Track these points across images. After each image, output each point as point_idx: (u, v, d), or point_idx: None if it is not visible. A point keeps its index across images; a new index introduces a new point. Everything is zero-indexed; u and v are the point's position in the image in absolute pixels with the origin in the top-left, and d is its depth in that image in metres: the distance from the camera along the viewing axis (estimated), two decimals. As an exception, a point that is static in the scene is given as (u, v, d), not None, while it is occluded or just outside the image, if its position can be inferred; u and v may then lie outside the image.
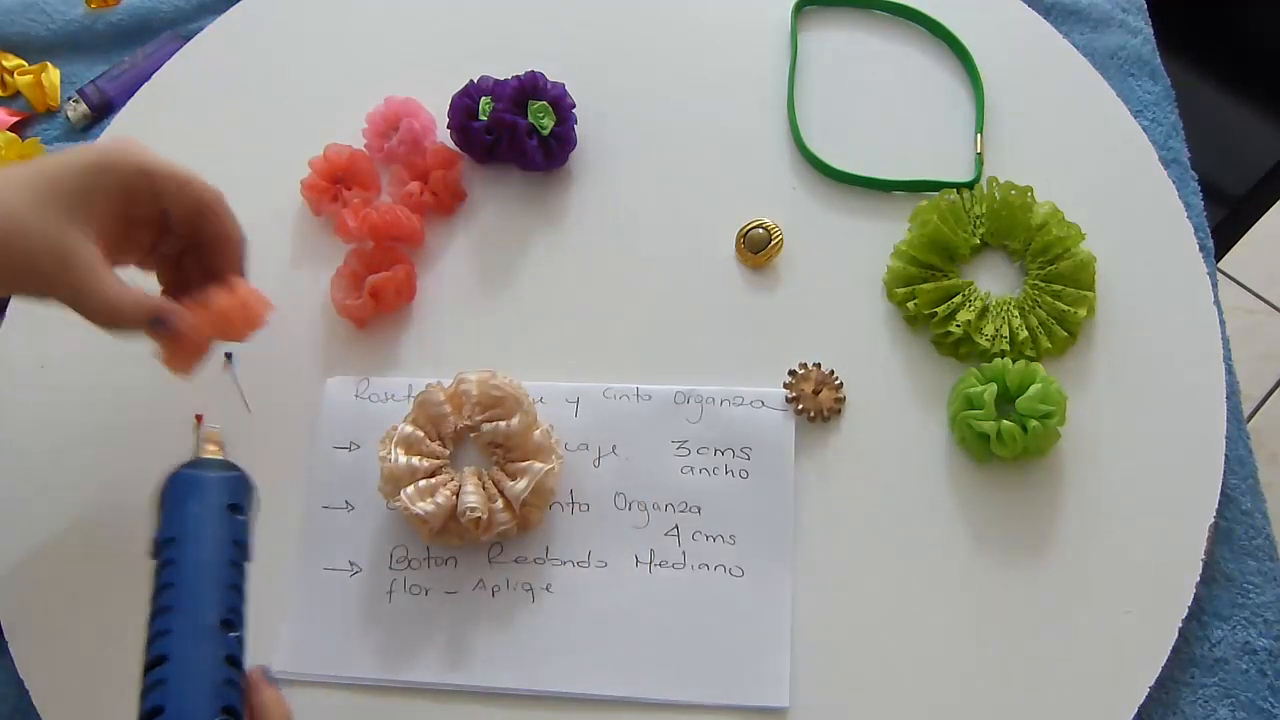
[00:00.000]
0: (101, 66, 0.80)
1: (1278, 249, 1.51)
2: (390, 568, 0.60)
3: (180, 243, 0.58)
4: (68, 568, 0.61)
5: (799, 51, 0.74)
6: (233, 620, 0.44)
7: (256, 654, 0.58)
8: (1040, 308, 0.64)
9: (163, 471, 0.48)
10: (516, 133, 0.68)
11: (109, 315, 0.51)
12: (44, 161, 0.51)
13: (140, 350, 0.56)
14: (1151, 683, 0.55)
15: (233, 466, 0.48)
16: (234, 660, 0.43)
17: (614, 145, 0.72)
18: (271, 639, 0.58)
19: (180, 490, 0.46)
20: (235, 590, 0.45)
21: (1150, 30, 0.77)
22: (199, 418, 0.64)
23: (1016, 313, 0.64)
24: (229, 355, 0.66)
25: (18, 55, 0.82)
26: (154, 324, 0.53)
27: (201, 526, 0.45)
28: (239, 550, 0.46)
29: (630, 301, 0.67)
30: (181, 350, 0.54)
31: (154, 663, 0.42)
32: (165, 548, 0.45)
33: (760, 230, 0.68)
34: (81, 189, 0.51)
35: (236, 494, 0.47)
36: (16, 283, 0.51)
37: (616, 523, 0.60)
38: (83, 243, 0.51)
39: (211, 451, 0.48)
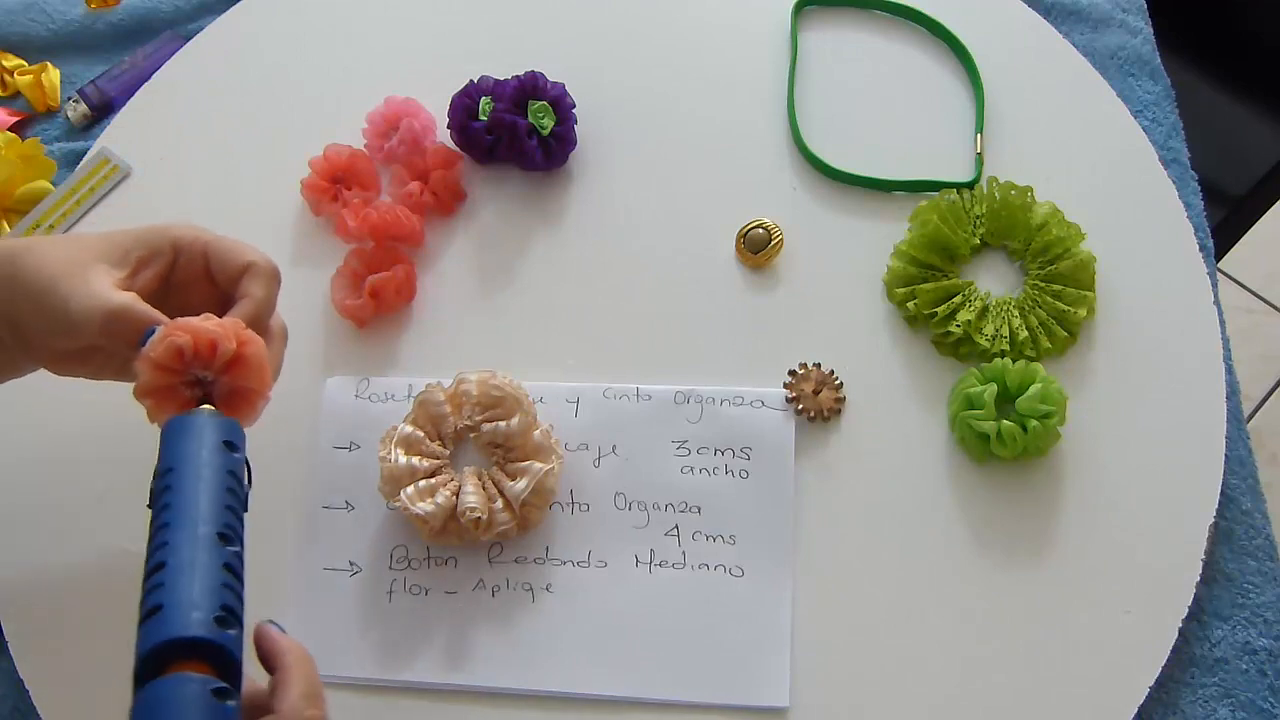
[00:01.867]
0: (101, 66, 0.80)
1: (1278, 249, 1.51)
2: (390, 567, 0.60)
3: None
4: (67, 568, 0.61)
5: (799, 51, 0.74)
6: (230, 536, 0.43)
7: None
8: (1040, 308, 0.64)
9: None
10: (516, 133, 0.68)
11: (101, 311, 0.49)
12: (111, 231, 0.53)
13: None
14: (1151, 683, 0.55)
15: (222, 415, 0.48)
16: (232, 570, 0.43)
17: (614, 145, 0.72)
18: (271, 639, 0.58)
19: (175, 430, 0.46)
20: (232, 513, 0.45)
21: (1150, 30, 0.77)
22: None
23: (1016, 313, 0.64)
24: None
25: (18, 55, 0.82)
26: (143, 341, 0.48)
27: (197, 455, 0.45)
28: (235, 480, 0.46)
29: (630, 301, 0.67)
30: (155, 370, 0.48)
31: (152, 570, 0.42)
32: (163, 478, 0.45)
33: (760, 230, 0.68)
34: (125, 243, 0.52)
35: (231, 434, 0.47)
36: (29, 296, 0.50)
37: (616, 523, 0.60)
38: (100, 267, 0.51)
39: (204, 408, 0.48)
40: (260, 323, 0.52)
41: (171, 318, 0.53)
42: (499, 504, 0.58)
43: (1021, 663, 0.56)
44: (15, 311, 0.51)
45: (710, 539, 0.60)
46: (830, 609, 0.58)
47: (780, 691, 0.56)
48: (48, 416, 0.66)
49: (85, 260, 0.51)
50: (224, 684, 0.39)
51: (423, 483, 0.58)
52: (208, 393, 0.48)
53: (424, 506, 0.57)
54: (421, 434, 0.60)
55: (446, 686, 0.57)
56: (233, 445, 0.47)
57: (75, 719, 0.58)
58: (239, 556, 0.44)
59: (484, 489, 0.59)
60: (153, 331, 0.48)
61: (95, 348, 0.52)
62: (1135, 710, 0.55)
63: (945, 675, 0.56)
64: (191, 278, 0.54)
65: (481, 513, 0.57)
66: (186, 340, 0.47)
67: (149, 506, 0.45)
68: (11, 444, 0.65)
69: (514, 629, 0.58)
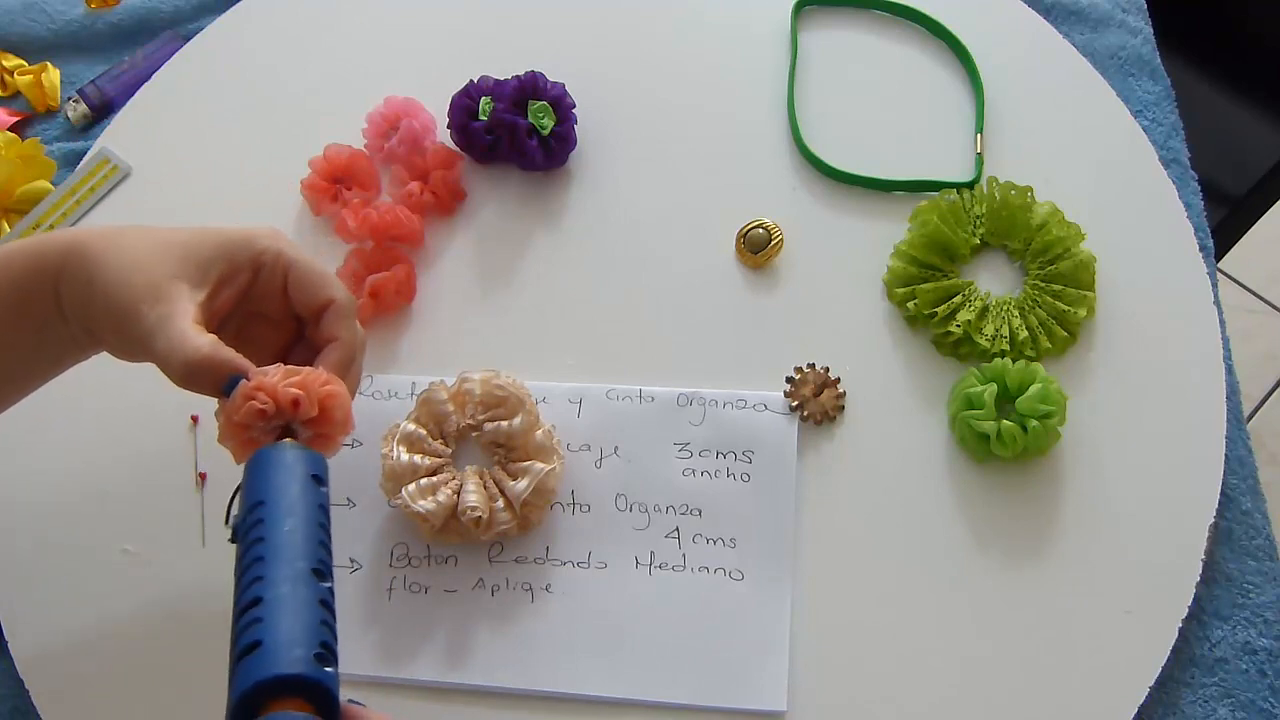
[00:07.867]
0: (101, 66, 0.80)
1: (1278, 249, 1.51)
2: (390, 565, 0.60)
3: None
4: (68, 568, 0.61)
5: (799, 51, 0.74)
6: (323, 571, 0.44)
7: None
8: (1040, 308, 0.64)
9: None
10: (516, 133, 0.68)
11: (181, 361, 0.47)
12: (191, 230, 0.52)
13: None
14: (1151, 683, 0.55)
15: (308, 449, 0.49)
16: (327, 606, 0.43)
17: (614, 145, 0.72)
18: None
19: (264, 463, 0.47)
20: (324, 547, 0.45)
21: (1150, 30, 0.77)
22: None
23: (1016, 313, 0.64)
24: None
25: (18, 55, 0.82)
26: (227, 388, 0.48)
27: (288, 488, 0.46)
28: (324, 514, 0.46)
29: (630, 302, 0.67)
30: (236, 427, 0.49)
31: (249, 605, 0.42)
32: (254, 510, 0.45)
33: (760, 230, 0.68)
34: (207, 257, 0.51)
35: (317, 467, 0.48)
36: (109, 313, 0.49)
37: (617, 524, 0.60)
38: (181, 290, 0.49)
39: (288, 441, 0.49)
40: (348, 366, 0.52)
41: (242, 325, 0.53)
42: (500, 503, 0.58)
43: (1021, 663, 0.56)
44: (91, 319, 0.50)
45: (710, 542, 0.60)
46: (828, 612, 0.58)
47: (778, 695, 0.56)
48: (49, 418, 0.66)
49: (165, 276, 0.49)
50: None
51: (424, 481, 0.58)
52: (291, 430, 0.49)
53: (425, 504, 0.57)
54: (424, 432, 0.60)
55: (444, 685, 0.57)
56: (320, 479, 0.47)
57: (75, 719, 0.58)
58: (331, 593, 0.44)
59: (485, 488, 0.59)
60: (236, 380, 0.48)
61: None
62: (1135, 710, 0.55)
63: (945, 675, 0.56)
64: (268, 293, 0.53)
65: (482, 512, 0.57)
66: (269, 405, 0.47)
67: (232, 540, 0.46)
68: (12, 445, 0.65)
69: (513, 628, 0.58)
